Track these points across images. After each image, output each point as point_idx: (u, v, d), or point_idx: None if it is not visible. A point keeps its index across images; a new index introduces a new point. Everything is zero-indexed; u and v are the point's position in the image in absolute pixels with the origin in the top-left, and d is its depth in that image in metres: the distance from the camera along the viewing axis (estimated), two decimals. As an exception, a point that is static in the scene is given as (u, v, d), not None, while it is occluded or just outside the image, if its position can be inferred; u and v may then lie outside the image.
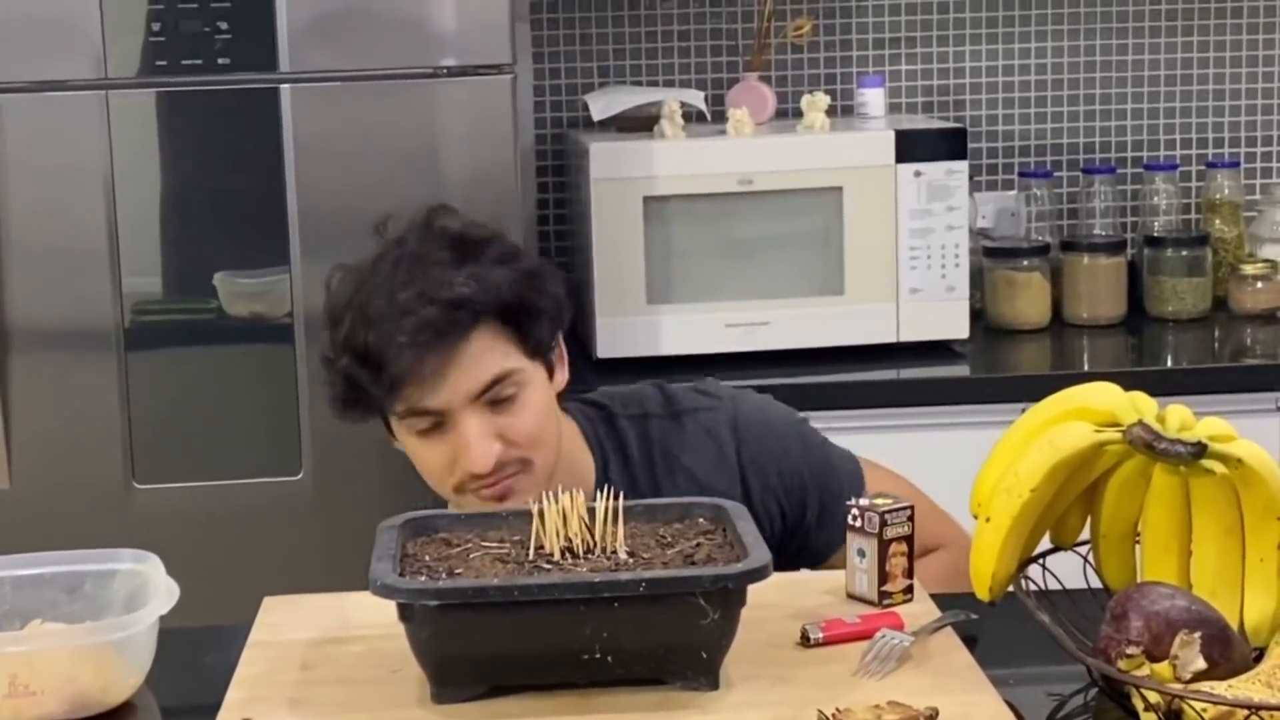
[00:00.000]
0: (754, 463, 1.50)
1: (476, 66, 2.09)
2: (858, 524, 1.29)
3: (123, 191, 2.08)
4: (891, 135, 2.35)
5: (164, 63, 2.06)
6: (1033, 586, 1.22)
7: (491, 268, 1.38)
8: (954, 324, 2.38)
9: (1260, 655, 1.12)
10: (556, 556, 1.18)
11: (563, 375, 1.47)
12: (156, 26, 2.06)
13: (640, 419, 1.52)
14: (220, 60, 2.06)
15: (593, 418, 1.53)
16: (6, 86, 2.06)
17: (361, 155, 2.10)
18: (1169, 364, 2.46)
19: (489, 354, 1.38)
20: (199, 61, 2.06)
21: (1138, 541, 1.23)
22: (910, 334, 2.35)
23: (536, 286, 1.41)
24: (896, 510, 1.29)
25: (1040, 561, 1.25)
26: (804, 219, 2.37)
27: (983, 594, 1.23)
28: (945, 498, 1.52)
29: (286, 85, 2.08)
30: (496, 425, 1.39)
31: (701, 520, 1.26)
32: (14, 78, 2.06)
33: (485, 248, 1.40)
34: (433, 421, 1.39)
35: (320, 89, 2.09)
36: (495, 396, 1.39)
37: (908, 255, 2.35)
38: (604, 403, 1.54)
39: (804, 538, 1.51)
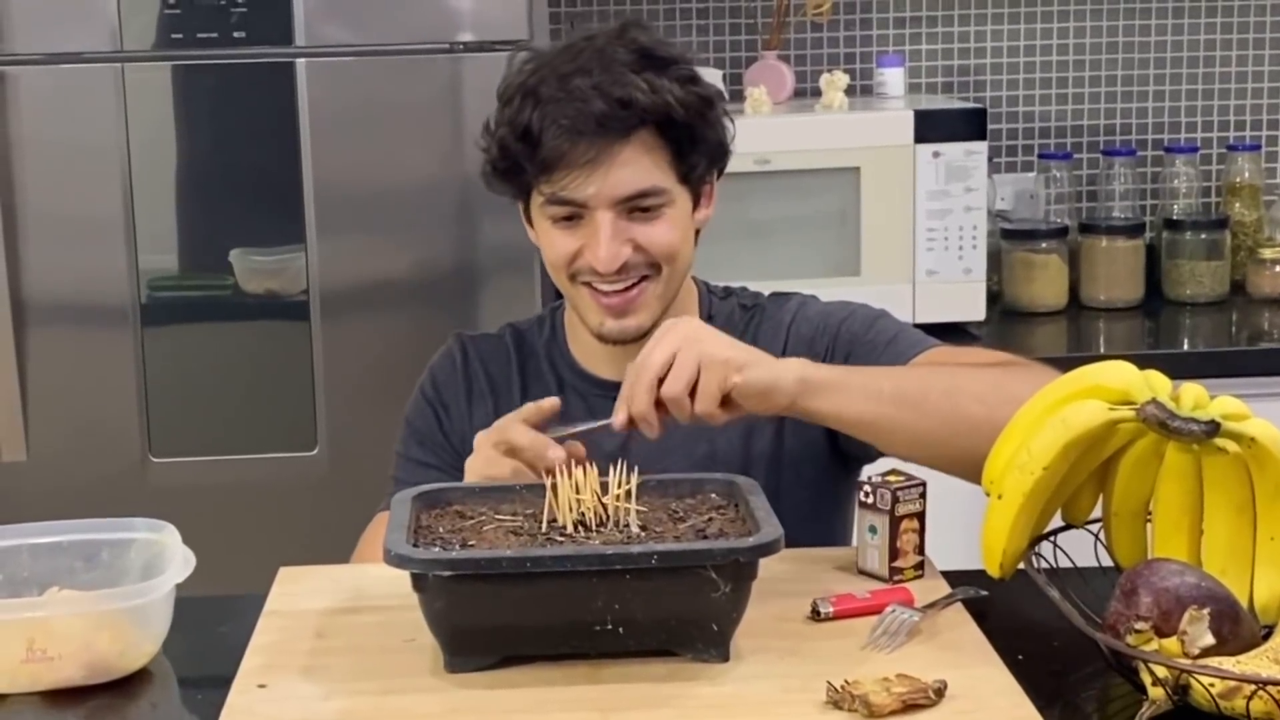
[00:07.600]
0: (799, 331, 1.51)
1: (493, 42, 2.08)
2: (869, 500, 1.29)
3: (138, 166, 2.09)
4: (910, 115, 2.35)
5: (179, 35, 2.07)
6: (1044, 564, 1.22)
7: (670, 83, 1.40)
8: (970, 306, 2.37)
9: (1270, 633, 1.12)
10: (569, 529, 1.19)
11: (706, 212, 1.49)
12: (173, -1, 2.07)
13: (752, 308, 1.54)
14: (236, 34, 2.06)
15: (712, 287, 1.57)
16: (22, 59, 2.07)
17: (377, 131, 2.10)
18: (1186, 347, 2.45)
19: (642, 163, 1.40)
20: (214, 35, 2.06)
21: (1149, 520, 1.23)
22: (926, 316, 2.34)
23: (706, 115, 1.43)
24: (908, 487, 1.29)
25: (1052, 539, 1.25)
26: (821, 199, 2.36)
27: (993, 570, 1.23)
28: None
29: (302, 59, 2.08)
30: (631, 232, 1.41)
31: (714, 495, 1.26)
32: (29, 50, 2.06)
33: (669, 64, 1.42)
34: (571, 212, 1.41)
35: (336, 63, 2.09)
36: (637, 206, 1.41)
37: (925, 236, 2.35)
38: (728, 285, 1.58)
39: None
